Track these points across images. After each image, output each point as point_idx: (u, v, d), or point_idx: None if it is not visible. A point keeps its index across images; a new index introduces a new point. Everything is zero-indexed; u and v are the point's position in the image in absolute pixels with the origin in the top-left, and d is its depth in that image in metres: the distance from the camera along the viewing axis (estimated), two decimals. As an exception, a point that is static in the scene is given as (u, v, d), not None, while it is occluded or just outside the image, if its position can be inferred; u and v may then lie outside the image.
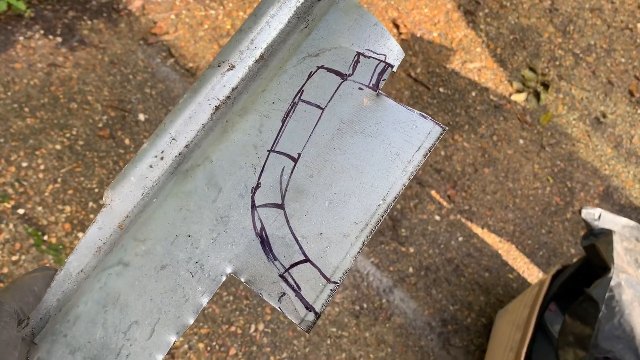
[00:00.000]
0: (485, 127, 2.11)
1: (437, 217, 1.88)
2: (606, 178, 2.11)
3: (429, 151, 0.49)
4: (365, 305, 1.69)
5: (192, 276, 0.48)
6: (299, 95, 0.51)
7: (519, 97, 2.20)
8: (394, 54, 0.52)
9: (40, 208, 1.67)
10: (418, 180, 1.93)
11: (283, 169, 0.50)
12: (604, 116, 2.25)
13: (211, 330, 1.59)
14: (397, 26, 2.26)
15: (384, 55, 0.52)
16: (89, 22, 2.01)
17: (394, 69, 0.52)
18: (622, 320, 1.18)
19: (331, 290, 0.48)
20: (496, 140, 2.09)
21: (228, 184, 0.49)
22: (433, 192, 1.93)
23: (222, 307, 1.62)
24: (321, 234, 0.49)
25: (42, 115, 1.81)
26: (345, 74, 0.51)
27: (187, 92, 0.51)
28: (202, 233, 0.49)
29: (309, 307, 0.47)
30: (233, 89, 0.52)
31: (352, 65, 0.52)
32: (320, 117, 0.51)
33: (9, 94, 1.82)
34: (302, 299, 0.48)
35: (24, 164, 1.73)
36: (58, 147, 1.77)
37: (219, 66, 0.52)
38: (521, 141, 2.11)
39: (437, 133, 0.50)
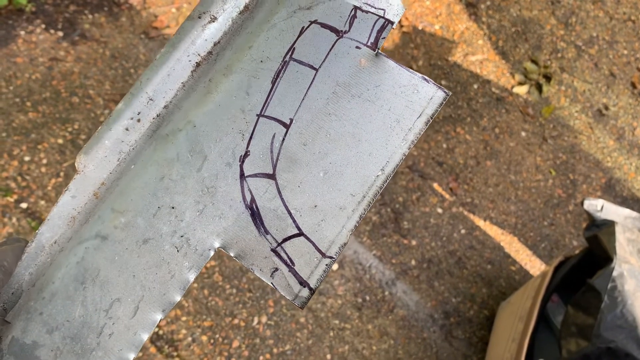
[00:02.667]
0: (487, 119, 2.11)
1: (440, 210, 1.88)
2: (608, 170, 2.11)
3: (431, 118, 0.45)
4: (367, 298, 1.70)
5: (178, 251, 0.45)
6: (289, 53, 0.47)
7: (521, 90, 2.19)
8: (394, 9, 0.47)
9: (43, 202, 1.68)
10: (420, 173, 1.93)
11: (274, 136, 0.46)
12: (606, 108, 2.24)
13: (214, 322, 1.60)
14: (398, 19, 2.26)
15: (382, 10, 0.47)
16: (90, 16, 2.01)
17: (394, 26, 0.47)
18: (624, 310, 1.18)
19: (326, 265, 0.45)
20: (498, 133, 2.09)
21: (214, 152, 0.46)
22: (435, 185, 1.93)
23: (225, 299, 1.62)
24: (316, 206, 0.45)
25: (44, 109, 1.81)
26: (341, 31, 0.47)
27: (165, 46, 0.46)
28: (187, 205, 0.45)
29: (303, 283, 0.45)
30: (215, 44, 0.47)
31: (348, 21, 0.47)
32: (313, 78, 0.46)
33: (11, 88, 1.82)
34: (295, 274, 0.45)
35: (27, 158, 1.73)
36: (60, 141, 1.78)
37: (199, 17, 0.47)
38: (523, 133, 2.11)
39: (440, 98, 0.45)
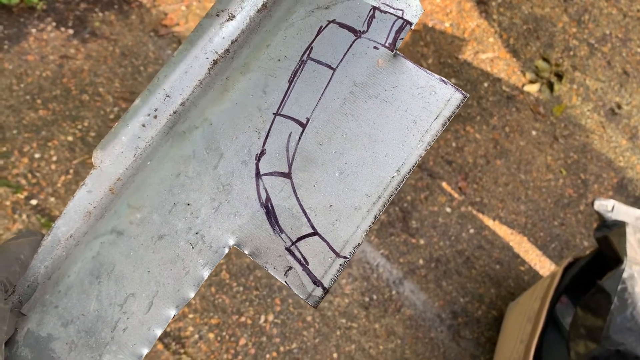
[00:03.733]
0: (498, 118, 2.09)
1: (448, 209, 1.87)
2: (620, 170, 2.08)
3: (448, 120, 0.45)
4: (375, 297, 1.69)
5: (193, 247, 0.45)
6: (307, 52, 0.47)
7: (532, 88, 2.17)
8: (412, 10, 0.47)
9: (52, 199, 1.69)
10: (429, 172, 1.92)
11: (290, 135, 0.46)
12: (619, 107, 2.22)
13: (221, 320, 1.60)
14: (408, 17, 2.24)
15: (401, 10, 0.46)
16: (100, 14, 2.02)
17: (412, 27, 0.47)
18: (634, 313, 1.16)
19: (340, 265, 0.45)
20: (508, 132, 2.07)
21: (230, 149, 0.46)
22: (444, 184, 1.91)
23: (232, 297, 1.63)
24: (331, 206, 0.46)
25: (54, 107, 1.83)
26: (359, 31, 0.46)
27: (183, 43, 0.46)
28: (202, 202, 0.46)
29: (316, 282, 0.45)
30: (233, 42, 0.47)
31: (366, 21, 0.46)
32: (331, 78, 0.46)
33: (22, 85, 1.84)
34: (309, 273, 0.45)
35: (37, 155, 1.74)
36: (70, 138, 1.79)
37: (217, 15, 0.47)
38: (534, 132, 2.09)
39: (458, 100, 0.45)
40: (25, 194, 1.68)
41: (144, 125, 0.46)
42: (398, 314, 1.68)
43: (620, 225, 1.33)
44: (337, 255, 0.45)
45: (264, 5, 0.48)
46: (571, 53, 2.30)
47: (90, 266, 0.44)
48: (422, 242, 1.80)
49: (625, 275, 1.20)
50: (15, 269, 0.42)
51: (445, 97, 0.45)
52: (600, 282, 1.22)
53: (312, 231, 0.45)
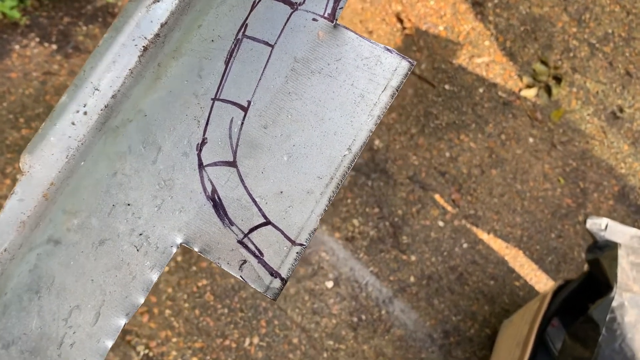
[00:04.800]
0: (493, 125, 2.02)
1: (441, 223, 1.82)
2: (622, 177, 2.00)
3: (397, 90, 0.44)
4: (363, 317, 1.65)
5: (138, 250, 0.43)
6: (242, 30, 0.44)
7: (530, 93, 2.10)
8: None
9: (35, 221, 1.67)
10: (421, 184, 1.87)
11: (232, 121, 0.44)
12: (621, 110, 2.13)
13: (205, 344, 1.57)
14: (401, 20, 2.18)
15: None
16: (84, 28, 1.99)
17: None
18: (623, 345, 1.11)
19: (297, 253, 0.44)
20: (504, 140, 2.00)
21: (168, 142, 0.44)
22: (437, 196, 1.86)
23: (216, 320, 1.60)
24: (281, 192, 0.44)
25: (38, 125, 1.80)
26: (295, 3, 0.44)
27: (108, 31, 0.43)
28: (143, 200, 0.43)
29: (274, 274, 0.44)
30: (162, 25, 0.44)
31: None
32: (269, 55, 0.44)
33: (5, 104, 1.81)
34: (265, 265, 0.44)
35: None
36: (53, 158, 1.76)
37: None
38: (531, 140, 2.02)
39: (405, 69, 0.44)
40: (8, 216, 1.66)
41: (73, 123, 0.42)
42: (388, 335, 1.64)
43: (612, 247, 1.27)
44: (293, 243, 0.44)
45: None
46: (571, 54, 2.22)
47: (27, 280, 0.42)
48: (413, 258, 1.75)
49: (614, 303, 1.14)
50: None
51: (391, 67, 0.44)
52: (589, 312, 1.17)
53: (264, 221, 0.44)
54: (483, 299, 1.73)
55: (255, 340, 1.59)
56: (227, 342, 1.57)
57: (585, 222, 1.34)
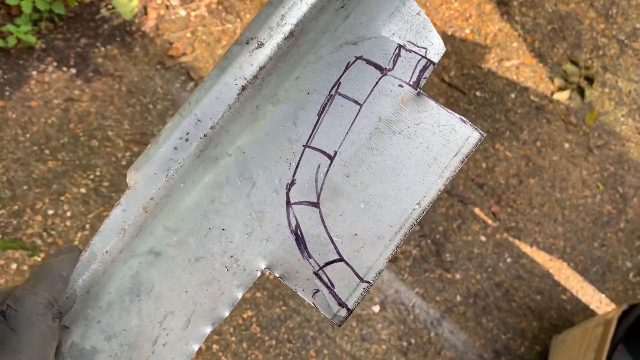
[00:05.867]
0: (528, 132, 1.98)
1: (483, 238, 1.78)
2: (661, 180, 1.97)
3: (467, 157, 0.49)
4: (413, 341, 1.62)
5: (227, 270, 0.48)
6: (336, 87, 0.49)
7: (562, 96, 2.05)
8: (435, 48, 0.49)
9: (70, 259, 1.62)
10: (460, 198, 1.82)
11: (319, 167, 0.49)
12: (655, 109, 2.09)
13: (256, 378, 1.54)
14: (426, 25, 2.11)
15: (424, 48, 0.49)
16: (102, 49, 1.91)
17: (435, 66, 0.49)
18: None
19: (364, 289, 0.49)
20: (540, 146, 1.96)
21: (262, 178, 0.49)
22: (477, 210, 1.82)
23: (265, 352, 1.56)
24: (356, 234, 0.49)
25: (64, 156, 1.74)
26: (385, 68, 0.49)
27: (214, 69, 0.48)
28: (236, 227, 0.48)
29: (341, 304, 0.48)
30: (261, 68, 0.48)
31: (392, 59, 0.49)
32: (357, 113, 0.49)
33: (28, 135, 1.75)
34: (335, 295, 0.48)
35: (50, 212, 1.67)
36: (83, 190, 1.71)
37: (247, 43, 0.48)
38: (567, 145, 1.98)
39: (476, 139, 0.49)
40: (42, 255, 1.61)
41: (176, 148, 0.47)
42: (439, 358, 1.61)
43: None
44: (361, 280, 0.49)
45: (291, 33, 0.48)
46: (600, 52, 2.17)
47: (130, 285, 0.47)
48: (458, 276, 1.72)
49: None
50: (59, 287, 0.44)
51: (464, 135, 0.48)
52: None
53: (338, 257, 0.49)
54: (531, 315, 1.71)
55: (307, 371, 1.56)
56: (278, 375, 1.55)
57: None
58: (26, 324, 0.40)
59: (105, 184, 1.73)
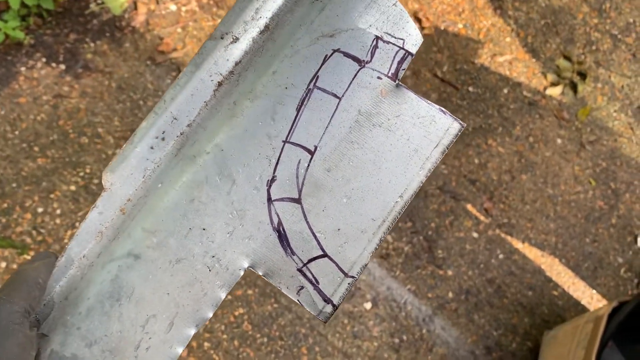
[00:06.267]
0: (520, 127, 1.98)
1: (475, 234, 1.78)
2: (652, 175, 1.97)
3: (447, 148, 0.49)
4: (405, 338, 1.62)
5: (210, 270, 0.48)
6: (314, 81, 0.48)
7: (555, 91, 2.05)
8: (413, 39, 0.49)
9: (60, 257, 1.61)
10: (452, 194, 1.82)
11: (299, 162, 0.48)
12: (647, 105, 2.09)
13: (247, 376, 1.54)
14: (419, 20, 2.10)
15: (402, 40, 0.48)
16: (92, 44, 1.89)
17: (413, 57, 0.49)
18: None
19: (349, 284, 0.49)
20: (532, 142, 1.96)
21: (242, 176, 0.48)
22: (469, 206, 1.82)
23: (256, 350, 1.56)
24: (339, 229, 0.48)
25: (53, 153, 1.72)
26: (363, 61, 0.48)
27: (189, 65, 0.47)
28: (217, 227, 0.48)
29: (327, 300, 0.48)
30: (237, 63, 0.47)
31: (370, 51, 0.48)
32: (337, 107, 0.48)
33: (17, 132, 1.73)
34: (320, 292, 0.48)
35: (40, 210, 1.65)
36: (73, 187, 1.69)
37: (221, 38, 0.47)
38: (559, 141, 1.97)
39: (456, 130, 0.48)
40: (32, 253, 1.60)
41: (152, 148, 0.46)
42: (430, 354, 1.62)
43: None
44: (346, 275, 0.49)
45: (267, 27, 0.48)
46: (593, 47, 2.16)
47: (109, 289, 0.46)
48: (450, 273, 1.72)
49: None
50: (35, 294, 0.43)
51: (444, 126, 0.48)
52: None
53: (322, 253, 0.49)
54: (522, 311, 1.71)
55: (298, 369, 1.56)
56: (269, 373, 1.54)
57: (636, 240, 1.31)
58: (3, 334, 0.39)
59: (96, 181, 1.71)
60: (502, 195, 1.86)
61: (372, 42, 0.48)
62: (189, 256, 0.47)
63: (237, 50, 0.47)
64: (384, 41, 0.48)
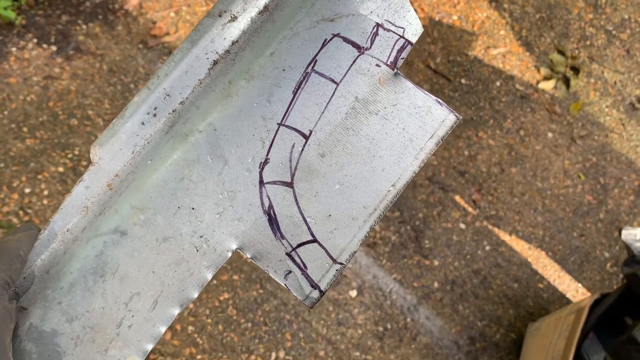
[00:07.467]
0: (512, 120, 1.97)
1: (462, 225, 1.78)
2: (642, 171, 1.98)
3: (442, 140, 0.48)
4: (389, 326, 1.63)
5: (197, 250, 0.47)
6: (312, 65, 0.48)
7: (547, 85, 2.05)
8: (413, 28, 0.48)
9: (47, 238, 1.61)
10: (441, 185, 1.82)
11: (293, 146, 0.48)
12: (639, 101, 2.09)
13: (230, 359, 1.54)
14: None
15: (402, 28, 0.48)
16: (84, 27, 1.88)
17: (413, 46, 0.49)
18: (671, 369, 1.09)
19: (337, 270, 0.48)
20: (523, 135, 1.96)
21: (234, 157, 0.48)
22: (457, 198, 1.82)
23: (240, 335, 1.56)
24: (330, 215, 0.48)
25: (42, 134, 1.72)
26: (363, 47, 0.48)
27: (184, 42, 0.46)
28: (206, 207, 0.47)
29: (314, 285, 0.48)
30: (234, 43, 0.46)
31: (370, 38, 0.48)
32: (334, 92, 0.48)
33: (6, 113, 1.73)
34: (307, 277, 0.48)
35: (27, 190, 1.65)
36: (61, 169, 1.69)
37: (219, 16, 0.46)
38: (550, 135, 1.97)
39: (452, 122, 0.48)
40: (18, 233, 1.60)
41: (143, 124, 0.45)
42: (414, 343, 1.62)
43: (651, 262, 1.24)
44: (334, 261, 0.48)
45: (266, 7, 0.47)
46: (588, 42, 2.16)
47: (94, 264, 0.46)
48: (436, 263, 1.72)
49: (659, 325, 1.12)
50: (16, 266, 0.42)
51: (440, 118, 0.48)
52: (632, 333, 1.15)
53: (312, 238, 0.48)
54: (507, 303, 1.72)
55: (281, 354, 1.56)
56: (252, 358, 1.55)
57: (620, 233, 1.31)
58: None
59: (84, 163, 1.71)
60: (491, 187, 1.86)
61: (373, 29, 0.48)
62: (177, 235, 0.47)
63: (235, 30, 0.46)
64: (385, 29, 0.48)
